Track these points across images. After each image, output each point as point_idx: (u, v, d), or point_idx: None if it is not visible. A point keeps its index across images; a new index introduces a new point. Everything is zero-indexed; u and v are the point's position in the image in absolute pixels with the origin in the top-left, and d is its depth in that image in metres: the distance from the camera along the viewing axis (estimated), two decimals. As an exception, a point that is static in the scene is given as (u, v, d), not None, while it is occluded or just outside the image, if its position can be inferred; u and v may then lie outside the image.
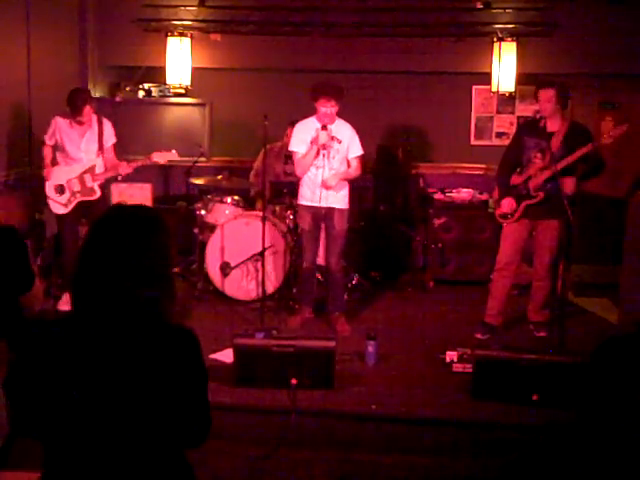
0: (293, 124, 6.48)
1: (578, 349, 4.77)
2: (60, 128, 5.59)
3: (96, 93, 7.35)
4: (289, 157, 6.61)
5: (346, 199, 5.44)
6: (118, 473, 1.88)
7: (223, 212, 6.29)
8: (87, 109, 5.49)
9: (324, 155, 5.27)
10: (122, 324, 1.87)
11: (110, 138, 5.73)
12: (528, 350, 4.38)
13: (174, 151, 5.82)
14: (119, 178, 5.93)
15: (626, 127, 4.86)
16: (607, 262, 6.51)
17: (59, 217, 5.72)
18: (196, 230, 6.33)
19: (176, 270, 6.73)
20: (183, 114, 7.62)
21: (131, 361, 1.86)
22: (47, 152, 5.69)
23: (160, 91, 7.53)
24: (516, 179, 5.25)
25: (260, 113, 5.40)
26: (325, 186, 5.28)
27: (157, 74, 7.34)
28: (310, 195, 5.38)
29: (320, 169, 5.30)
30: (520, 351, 4.33)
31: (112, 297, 1.86)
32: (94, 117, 5.65)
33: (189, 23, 7.15)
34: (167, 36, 7.03)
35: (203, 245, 6.20)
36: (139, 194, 6.63)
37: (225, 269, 6.03)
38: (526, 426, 4.01)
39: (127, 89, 7.45)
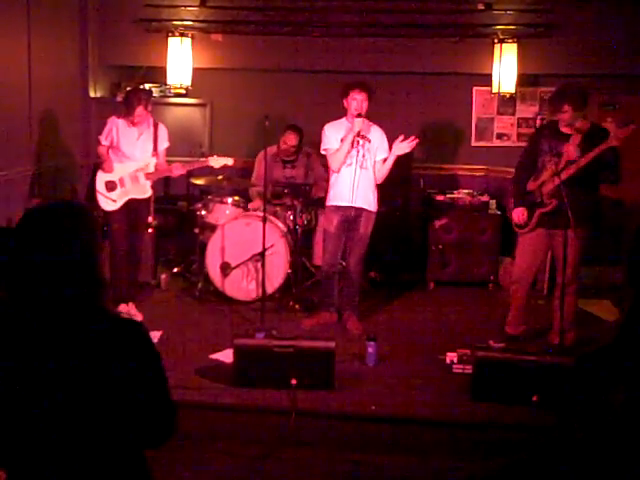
0: (289, 128, 6.50)
1: (578, 350, 4.79)
2: (117, 127, 5.62)
3: (97, 93, 7.36)
4: (287, 162, 6.63)
5: (376, 201, 5.44)
6: (71, 474, 1.85)
7: (223, 212, 6.29)
8: (140, 109, 5.52)
9: (358, 142, 5.28)
10: (61, 321, 1.84)
11: (163, 142, 5.78)
12: (528, 351, 4.38)
13: (231, 159, 5.88)
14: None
15: (633, 127, 4.59)
16: (608, 264, 6.51)
17: (107, 214, 5.67)
18: (196, 230, 6.33)
19: (177, 270, 6.74)
20: (184, 114, 7.63)
21: (77, 358, 1.83)
22: (104, 151, 5.70)
23: (161, 91, 7.53)
24: (531, 185, 5.03)
25: (261, 113, 5.41)
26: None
27: (158, 74, 7.34)
28: (341, 195, 5.36)
29: (351, 167, 5.31)
30: (520, 352, 4.33)
31: (44, 295, 1.84)
32: (150, 120, 5.69)
33: (190, 23, 7.15)
34: (168, 36, 7.03)
35: (203, 245, 6.20)
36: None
37: (225, 269, 6.03)
38: (526, 427, 4.01)
39: (128, 89, 7.45)
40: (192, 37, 7.10)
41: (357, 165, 5.31)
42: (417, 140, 5.35)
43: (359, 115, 5.24)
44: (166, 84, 7.25)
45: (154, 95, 7.40)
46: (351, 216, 5.39)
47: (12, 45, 5.84)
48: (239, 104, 7.50)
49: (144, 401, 1.89)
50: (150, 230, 6.35)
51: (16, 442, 1.86)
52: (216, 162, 5.88)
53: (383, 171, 5.44)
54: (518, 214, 5.06)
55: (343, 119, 5.43)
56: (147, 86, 7.40)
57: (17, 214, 5.50)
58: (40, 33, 6.16)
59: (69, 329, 1.84)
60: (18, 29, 5.90)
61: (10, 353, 1.83)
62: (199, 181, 6.47)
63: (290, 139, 6.51)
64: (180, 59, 7.04)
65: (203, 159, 6.07)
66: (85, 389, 1.83)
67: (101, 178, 5.69)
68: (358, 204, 5.34)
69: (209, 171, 6.33)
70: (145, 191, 5.75)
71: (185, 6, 7.15)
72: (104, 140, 5.68)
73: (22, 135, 6.04)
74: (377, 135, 5.42)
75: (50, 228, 1.88)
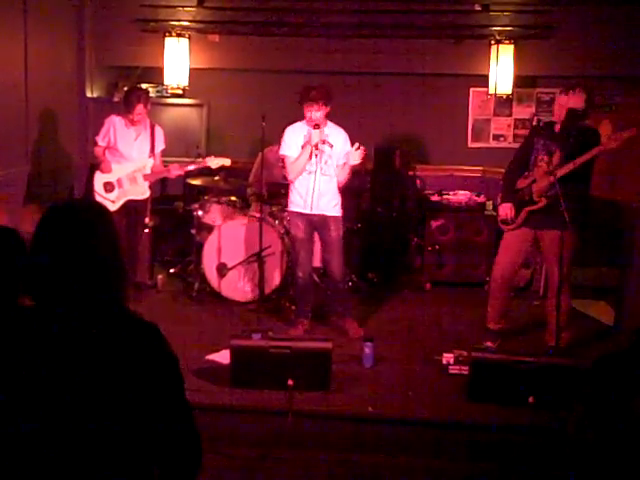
0: None
1: (574, 352, 4.79)
2: (115, 127, 5.62)
3: (93, 93, 7.35)
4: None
5: (339, 206, 5.32)
6: None
7: (220, 213, 6.28)
8: (140, 107, 5.52)
9: (316, 155, 5.15)
10: (80, 322, 1.80)
11: (160, 144, 5.77)
12: (524, 352, 4.38)
13: (228, 159, 5.87)
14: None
15: (635, 131, 4.57)
16: (604, 265, 6.52)
17: None
18: (193, 231, 6.32)
19: (173, 271, 6.73)
20: (180, 115, 7.63)
21: (93, 359, 1.77)
22: (100, 152, 5.69)
23: (158, 92, 7.53)
24: (521, 182, 5.04)
25: (258, 114, 5.40)
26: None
27: (155, 74, 7.34)
28: (301, 202, 5.25)
29: (312, 174, 5.18)
30: (516, 353, 4.33)
31: (66, 293, 1.80)
32: (147, 121, 5.68)
33: (187, 24, 7.15)
34: (165, 36, 7.02)
35: (200, 246, 6.19)
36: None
37: (222, 270, 6.03)
38: (522, 428, 4.01)
39: (125, 89, 7.44)
40: (189, 37, 7.10)
41: (319, 172, 5.18)
42: (365, 151, 5.19)
43: (316, 126, 5.11)
44: (163, 84, 7.25)
45: (151, 95, 7.39)
46: (316, 221, 5.29)
47: (9, 45, 5.83)
48: (236, 105, 7.50)
49: (161, 408, 1.82)
50: (147, 230, 6.35)
51: (19, 448, 1.77)
52: (213, 162, 5.89)
53: (340, 177, 5.26)
54: (505, 210, 5.06)
55: (303, 122, 5.27)
56: (144, 86, 7.40)
57: (14, 214, 5.50)
58: (37, 33, 6.15)
59: (88, 330, 1.80)
60: (15, 29, 5.89)
61: (28, 355, 1.78)
62: (196, 182, 6.47)
63: None
64: (177, 59, 7.04)
65: (200, 159, 6.07)
66: (100, 391, 1.77)
67: (99, 179, 5.69)
68: (319, 211, 5.23)
69: (206, 172, 6.33)
70: (143, 192, 5.75)
71: (182, 6, 7.15)
72: (101, 141, 5.67)
73: (19, 135, 6.03)
74: (339, 139, 5.25)
75: (72, 225, 1.85)
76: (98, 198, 5.65)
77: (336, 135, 5.28)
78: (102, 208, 2.00)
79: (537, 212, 4.93)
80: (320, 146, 5.17)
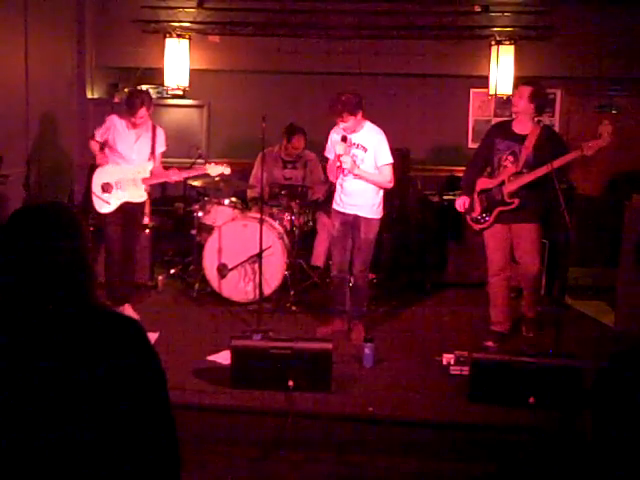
0: (298, 132, 6.47)
1: (574, 352, 4.80)
2: (115, 127, 5.59)
3: (94, 94, 7.36)
4: (287, 162, 6.64)
5: (375, 208, 5.26)
6: None
7: (221, 214, 6.28)
8: (142, 110, 5.48)
9: (338, 167, 5.13)
10: (50, 321, 1.78)
11: (161, 146, 5.76)
12: (525, 353, 4.39)
13: (228, 167, 5.86)
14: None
15: (605, 142, 4.63)
16: (604, 265, 6.53)
17: (101, 216, 5.61)
18: (194, 232, 6.33)
19: (174, 271, 6.74)
20: (181, 116, 7.63)
21: (68, 357, 1.75)
22: (95, 146, 5.66)
23: (158, 92, 7.54)
24: (488, 182, 5.12)
25: (258, 115, 5.40)
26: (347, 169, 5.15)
27: (155, 75, 7.35)
28: (337, 201, 5.34)
29: (346, 176, 5.20)
30: (517, 354, 4.34)
31: (32, 296, 1.79)
32: (149, 123, 5.67)
33: (187, 24, 7.16)
34: (165, 37, 7.03)
35: (200, 247, 6.20)
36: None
37: (222, 271, 6.03)
38: (522, 428, 4.01)
39: (125, 90, 7.45)
40: (189, 38, 7.11)
41: (350, 175, 5.19)
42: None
43: (343, 138, 5.09)
44: (163, 85, 7.26)
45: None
46: (350, 221, 5.32)
47: (9, 46, 5.84)
48: (236, 105, 7.51)
49: (141, 402, 1.80)
50: (147, 231, 6.33)
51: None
52: (213, 170, 5.84)
53: (373, 180, 5.23)
54: (460, 203, 5.22)
55: None
56: (144, 87, 7.41)
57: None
58: (37, 34, 6.17)
59: (58, 329, 1.79)
60: (15, 30, 5.90)
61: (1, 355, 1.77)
62: (196, 183, 6.46)
63: (300, 143, 6.51)
64: (177, 60, 7.05)
65: (201, 161, 6.06)
66: (78, 389, 1.75)
67: (97, 180, 5.66)
68: (352, 211, 5.27)
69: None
70: (141, 195, 5.71)
71: (182, 7, 7.17)
72: (98, 136, 5.64)
73: (19, 136, 6.04)
74: (374, 141, 5.20)
75: (36, 228, 1.85)
76: (95, 199, 5.64)
77: (370, 137, 5.22)
78: (68, 209, 1.98)
79: (507, 211, 5.05)
80: (351, 151, 5.14)
